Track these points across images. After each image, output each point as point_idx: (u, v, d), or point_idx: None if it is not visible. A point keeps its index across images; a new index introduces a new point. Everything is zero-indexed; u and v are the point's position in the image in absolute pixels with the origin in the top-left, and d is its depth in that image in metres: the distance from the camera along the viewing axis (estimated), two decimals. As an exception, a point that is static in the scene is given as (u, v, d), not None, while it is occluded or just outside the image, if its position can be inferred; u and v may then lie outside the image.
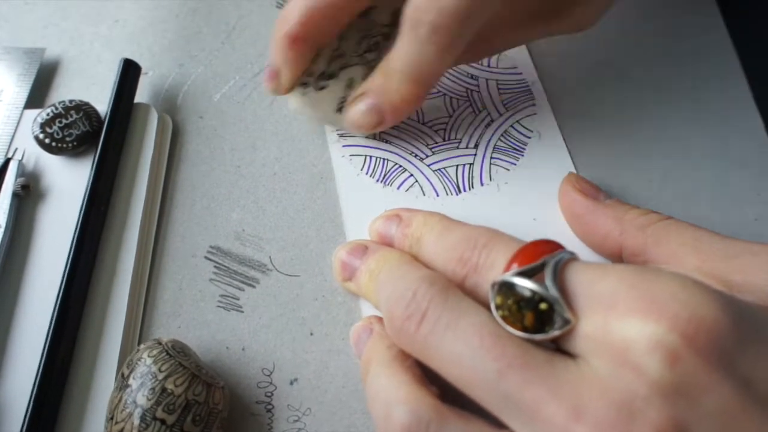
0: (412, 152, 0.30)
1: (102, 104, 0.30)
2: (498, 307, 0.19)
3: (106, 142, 0.29)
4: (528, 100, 0.31)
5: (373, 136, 0.30)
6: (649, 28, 0.34)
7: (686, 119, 0.30)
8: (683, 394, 0.16)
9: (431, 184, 0.29)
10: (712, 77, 0.32)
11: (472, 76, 0.32)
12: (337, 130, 0.30)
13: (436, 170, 0.29)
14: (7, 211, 0.28)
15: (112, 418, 0.22)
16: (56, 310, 0.25)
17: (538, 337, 0.18)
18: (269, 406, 0.25)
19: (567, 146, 0.30)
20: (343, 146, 0.30)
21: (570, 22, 0.27)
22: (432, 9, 0.23)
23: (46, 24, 0.36)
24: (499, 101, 0.31)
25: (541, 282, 0.18)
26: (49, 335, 0.25)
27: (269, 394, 0.25)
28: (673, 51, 0.33)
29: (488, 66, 0.32)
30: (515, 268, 0.19)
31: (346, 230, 0.28)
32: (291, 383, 0.25)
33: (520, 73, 0.32)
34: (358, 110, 0.27)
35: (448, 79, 0.32)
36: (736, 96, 0.31)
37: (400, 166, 0.29)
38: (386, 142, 0.30)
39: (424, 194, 0.29)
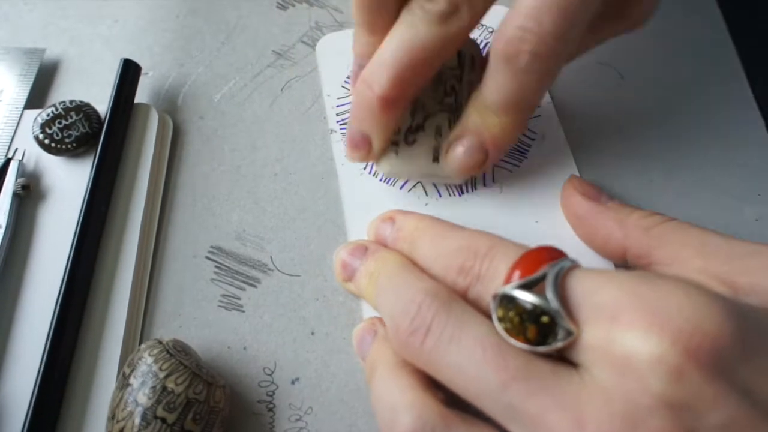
0: None
1: (102, 104, 0.30)
2: (500, 320, 0.19)
3: (106, 142, 0.29)
4: None
5: None
6: (649, 28, 0.34)
7: (687, 119, 0.31)
8: (688, 407, 0.16)
9: (434, 185, 0.29)
10: (712, 77, 0.32)
11: None
12: (436, 178, 0.28)
13: None
14: (7, 212, 0.28)
15: (113, 417, 0.22)
16: (57, 311, 0.25)
17: (542, 349, 0.18)
18: (271, 405, 0.25)
19: (571, 149, 0.30)
20: None
21: (630, 20, 0.26)
22: (531, 38, 0.21)
23: (46, 24, 0.36)
24: None
25: (542, 294, 0.18)
26: (50, 335, 0.24)
27: (271, 394, 0.25)
28: (673, 51, 0.33)
29: None
30: (516, 278, 0.19)
31: (347, 230, 0.28)
32: (292, 382, 0.25)
33: None
34: (459, 152, 0.25)
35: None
36: (736, 96, 0.31)
37: None
38: None
39: (426, 195, 0.29)
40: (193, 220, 0.29)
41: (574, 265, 0.19)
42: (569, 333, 0.18)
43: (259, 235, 0.29)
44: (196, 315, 0.27)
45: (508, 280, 0.20)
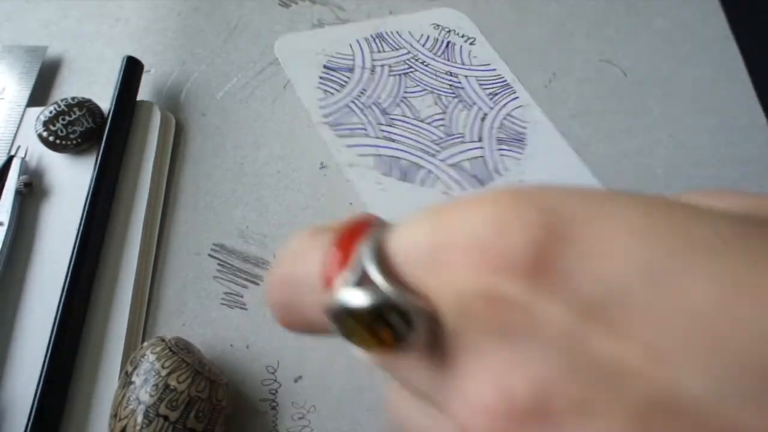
0: (422, 148, 0.30)
1: (104, 102, 0.30)
2: (348, 338, 0.13)
3: (109, 139, 0.29)
4: (510, 94, 0.32)
5: (375, 136, 0.30)
6: (650, 26, 0.34)
7: (689, 117, 0.30)
8: (514, 338, 0.11)
9: (451, 178, 0.29)
10: (714, 74, 0.32)
11: (450, 74, 0.33)
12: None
13: (451, 165, 0.30)
14: (10, 209, 0.28)
15: (115, 415, 0.22)
16: (60, 308, 0.25)
17: (414, 339, 0.12)
18: (274, 404, 0.25)
19: (573, 147, 0.30)
20: (351, 146, 0.30)
21: None
22: None
23: (47, 22, 0.36)
24: (485, 96, 0.32)
25: (370, 287, 0.12)
26: (53, 333, 0.24)
27: (274, 392, 0.25)
28: (676, 49, 0.33)
29: (462, 64, 0.33)
30: (338, 281, 0.13)
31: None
32: (295, 380, 0.25)
33: (494, 69, 0.33)
34: None
35: (430, 77, 0.32)
36: (739, 93, 0.31)
37: (415, 163, 0.30)
38: (392, 140, 0.30)
39: (450, 190, 0.29)
40: (195, 217, 0.29)
41: (383, 228, 0.14)
42: (423, 311, 0.12)
43: (262, 232, 0.28)
44: (199, 313, 0.27)
45: (327, 287, 0.13)
